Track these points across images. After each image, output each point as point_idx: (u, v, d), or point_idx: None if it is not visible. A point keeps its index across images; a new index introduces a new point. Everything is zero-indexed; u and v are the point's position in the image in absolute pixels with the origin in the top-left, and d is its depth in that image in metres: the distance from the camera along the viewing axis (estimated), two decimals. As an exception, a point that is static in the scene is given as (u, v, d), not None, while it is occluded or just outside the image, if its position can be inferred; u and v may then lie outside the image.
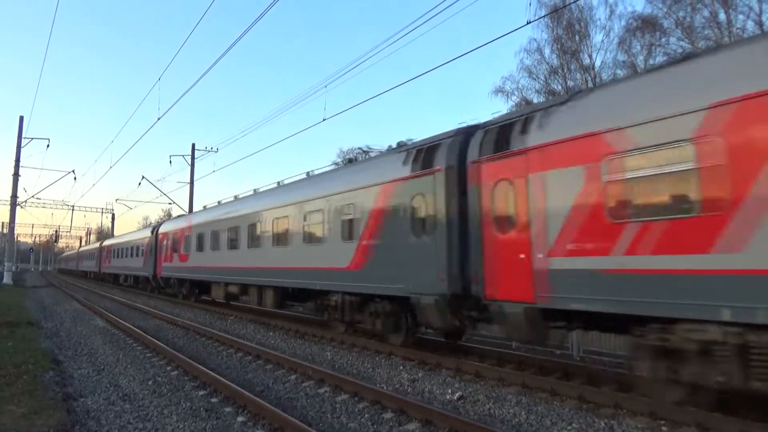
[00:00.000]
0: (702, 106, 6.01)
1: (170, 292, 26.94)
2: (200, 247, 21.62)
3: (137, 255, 32.38)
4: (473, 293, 8.90)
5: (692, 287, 5.96)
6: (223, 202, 21.78)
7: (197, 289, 23.91)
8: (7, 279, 36.07)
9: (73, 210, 61.22)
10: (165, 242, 26.63)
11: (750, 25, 20.67)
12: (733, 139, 5.76)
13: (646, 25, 23.36)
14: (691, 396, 6.25)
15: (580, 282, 7.14)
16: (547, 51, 27.38)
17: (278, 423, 6.24)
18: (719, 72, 6.15)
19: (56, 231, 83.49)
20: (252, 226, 17.01)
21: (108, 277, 44.42)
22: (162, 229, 27.93)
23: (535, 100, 26.11)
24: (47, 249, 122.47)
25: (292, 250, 14.45)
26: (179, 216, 32.06)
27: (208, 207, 23.60)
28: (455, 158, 9.46)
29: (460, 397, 7.64)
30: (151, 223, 62.01)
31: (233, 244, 18.41)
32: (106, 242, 46.81)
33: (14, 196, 36.91)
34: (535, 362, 9.40)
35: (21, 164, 35.95)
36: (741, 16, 21.26)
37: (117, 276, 40.63)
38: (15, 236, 43.13)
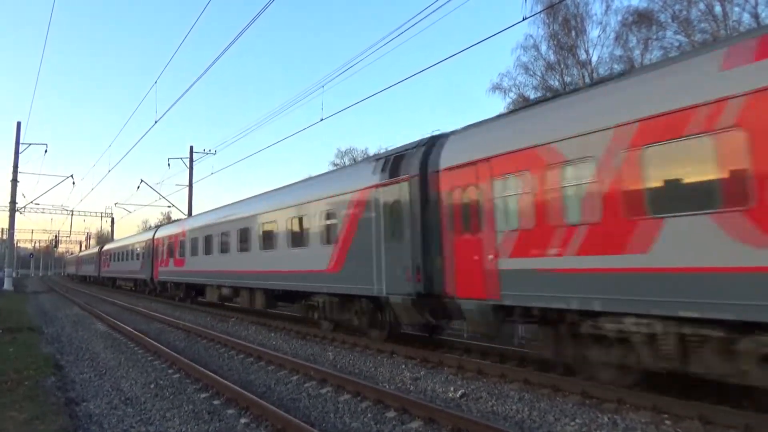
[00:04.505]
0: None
1: (167, 295, 27.24)
2: (194, 252, 22.03)
3: (135, 259, 32.61)
4: (436, 292, 9.51)
5: (610, 284, 6.60)
6: (216, 208, 22.17)
7: (193, 292, 24.28)
8: (7, 285, 36.06)
9: (72, 215, 61.28)
10: (161, 247, 27.07)
11: (746, 18, 20.63)
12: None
13: (642, 19, 23.27)
14: (619, 377, 6.99)
15: (524, 280, 7.82)
16: (543, 47, 27.23)
17: (281, 424, 6.23)
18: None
19: (56, 236, 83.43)
20: (241, 231, 17.44)
21: (107, 281, 44.67)
22: (158, 234, 28.35)
23: (532, 97, 26.06)
24: (47, 254, 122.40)
25: (278, 254, 14.96)
26: (174, 221, 32.41)
27: (201, 213, 24.04)
28: (418, 167, 10.05)
29: (463, 395, 7.64)
30: (150, 227, 62.04)
31: (225, 249, 18.86)
32: (105, 247, 47.03)
33: (13, 201, 36.93)
34: (537, 359, 9.39)
35: (19, 170, 36.07)
36: (737, 9, 21.20)
37: (116, 279, 40.82)
38: (15, 242, 43.09)
